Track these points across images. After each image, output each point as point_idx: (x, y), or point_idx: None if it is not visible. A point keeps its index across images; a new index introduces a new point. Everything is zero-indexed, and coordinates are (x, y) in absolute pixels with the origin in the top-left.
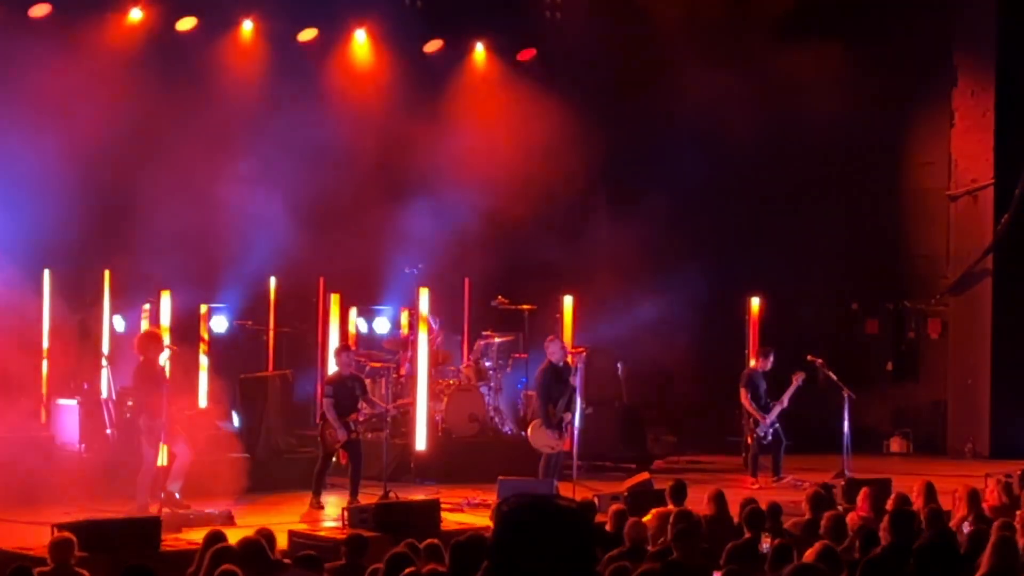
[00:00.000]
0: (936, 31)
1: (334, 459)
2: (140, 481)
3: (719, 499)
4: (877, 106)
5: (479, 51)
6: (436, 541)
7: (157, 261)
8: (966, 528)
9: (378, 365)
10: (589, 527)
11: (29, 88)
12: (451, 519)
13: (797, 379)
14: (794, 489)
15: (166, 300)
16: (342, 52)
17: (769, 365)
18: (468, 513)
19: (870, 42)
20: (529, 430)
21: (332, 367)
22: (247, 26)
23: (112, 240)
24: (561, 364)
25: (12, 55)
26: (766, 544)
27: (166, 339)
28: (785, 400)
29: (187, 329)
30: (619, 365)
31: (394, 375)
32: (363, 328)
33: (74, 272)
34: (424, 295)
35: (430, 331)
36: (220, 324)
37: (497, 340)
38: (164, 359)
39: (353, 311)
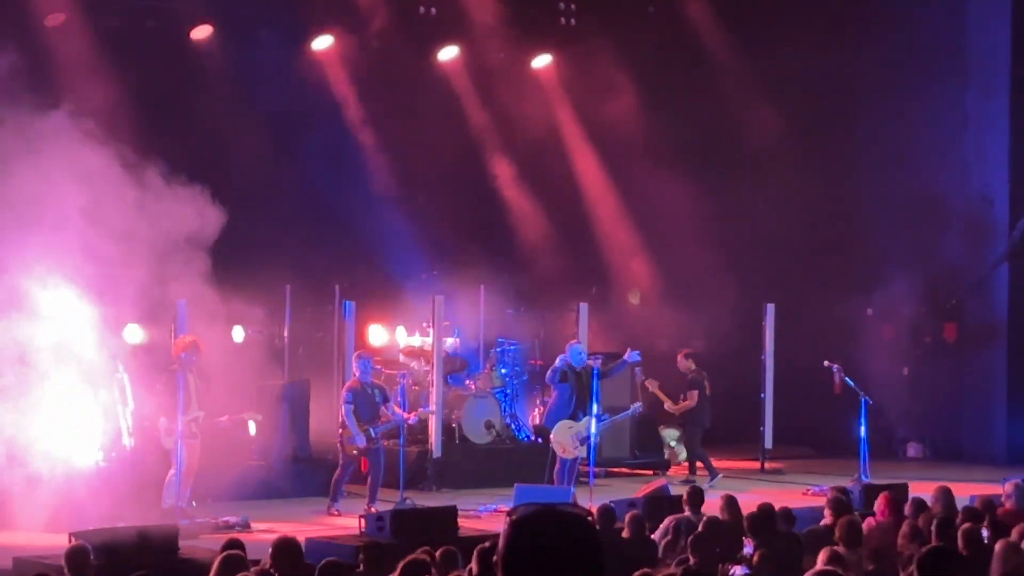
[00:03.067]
0: (949, 34)
1: (353, 466)
2: (168, 482)
3: (732, 504)
4: (891, 110)
5: (494, 57)
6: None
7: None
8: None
9: (394, 372)
10: (598, 536)
11: None
12: (468, 526)
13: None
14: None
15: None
16: (360, 56)
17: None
18: (485, 519)
19: (883, 45)
20: (554, 430)
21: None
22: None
23: None
24: (580, 368)
25: None
26: (748, 547)
27: (190, 347)
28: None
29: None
30: (636, 371)
31: (410, 381)
32: (382, 336)
33: None
34: (439, 302)
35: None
36: (238, 333)
37: (512, 347)
38: (190, 366)
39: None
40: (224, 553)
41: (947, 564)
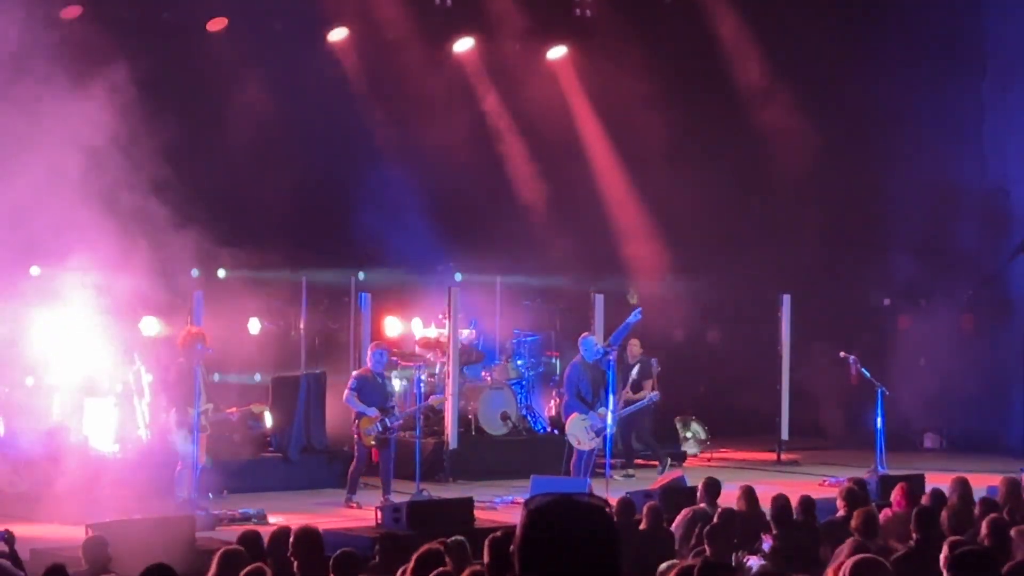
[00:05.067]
0: (967, 25)
1: (367, 457)
2: (179, 476)
3: (749, 495)
4: (908, 100)
5: (509, 48)
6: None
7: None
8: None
9: (410, 364)
10: (615, 525)
11: None
12: (484, 517)
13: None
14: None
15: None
16: (373, 49)
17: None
18: (501, 511)
19: (900, 35)
20: (568, 421)
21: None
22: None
23: None
24: (592, 361)
25: None
26: (767, 543)
27: (199, 338)
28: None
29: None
30: (652, 362)
31: (425, 373)
32: (398, 328)
33: None
34: (455, 293)
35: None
36: (254, 325)
37: (529, 338)
38: (200, 358)
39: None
40: (222, 549)
41: (979, 565)
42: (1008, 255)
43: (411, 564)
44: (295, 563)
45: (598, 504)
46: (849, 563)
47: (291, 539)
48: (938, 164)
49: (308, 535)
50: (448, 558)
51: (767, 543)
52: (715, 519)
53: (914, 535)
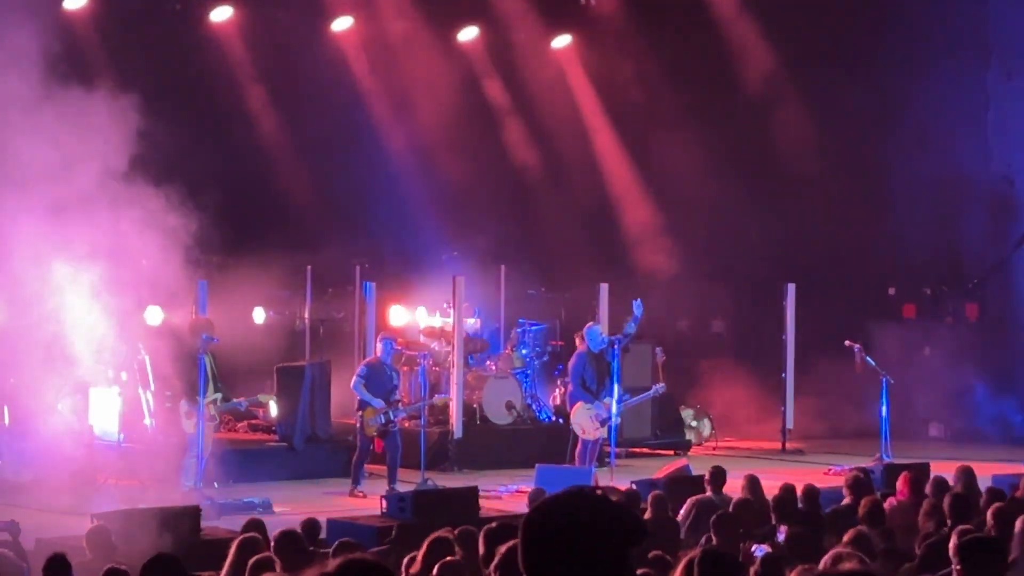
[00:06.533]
0: (971, 14)
1: (370, 447)
2: (186, 465)
3: (754, 484)
4: (912, 90)
5: (514, 37)
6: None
7: None
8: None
9: (415, 353)
10: (624, 517)
11: None
12: (489, 506)
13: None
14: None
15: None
16: (378, 39)
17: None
18: (506, 500)
19: (904, 24)
20: (573, 411)
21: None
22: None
23: None
24: (598, 351)
25: None
26: (782, 534)
27: (207, 327)
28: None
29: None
30: (657, 351)
31: (430, 362)
32: (403, 317)
33: None
34: (459, 282)
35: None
36: (259, 314)
37: (533, 327)
38: (206, 348)
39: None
40: (241, 536)
41: (990, 552)
42: (1013, 244)
43: (422, 551)
44: (278, 563)
45: (606, 495)
46: (828, 556)
47: (272, 544)
48: (943, 153)
49: (288, 537)
50: (458, 547)
51: (782, 534)
52: (727, 508)
53: (948, 521)
